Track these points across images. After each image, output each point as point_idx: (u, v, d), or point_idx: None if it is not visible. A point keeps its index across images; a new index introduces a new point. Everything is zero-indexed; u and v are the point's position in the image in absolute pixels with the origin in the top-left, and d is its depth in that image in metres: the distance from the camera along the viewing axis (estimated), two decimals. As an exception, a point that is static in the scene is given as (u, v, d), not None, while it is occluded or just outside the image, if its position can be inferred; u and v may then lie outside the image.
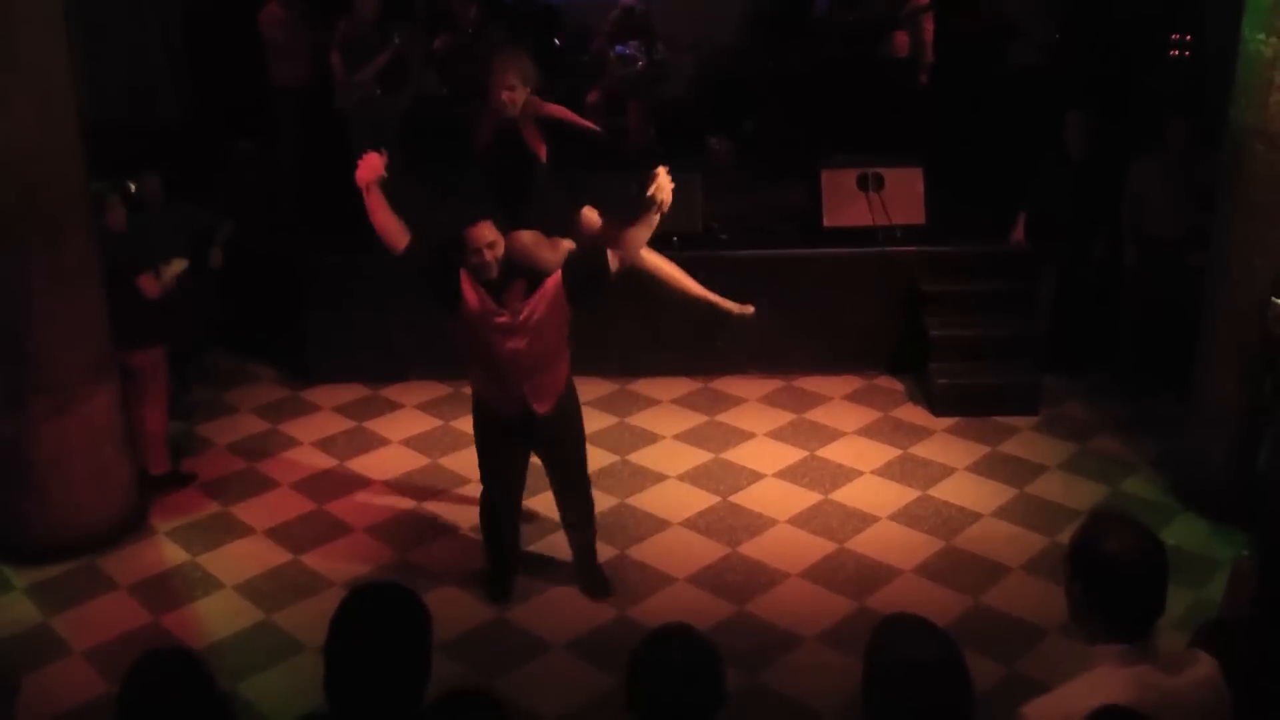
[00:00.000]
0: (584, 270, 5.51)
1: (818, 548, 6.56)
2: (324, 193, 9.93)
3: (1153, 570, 2.83)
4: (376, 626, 2.77)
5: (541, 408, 5.67)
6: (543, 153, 6.00)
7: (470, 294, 5.42)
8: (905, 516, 6.86)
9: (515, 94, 5.87)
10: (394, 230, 5.54)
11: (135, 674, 2.93)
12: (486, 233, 5.38)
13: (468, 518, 6.92)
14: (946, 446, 7.68)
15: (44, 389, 6.32)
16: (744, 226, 8.99)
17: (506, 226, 5.53)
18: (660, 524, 6.82)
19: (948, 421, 7.99)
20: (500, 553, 6.20)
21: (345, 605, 2.81)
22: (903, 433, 7.87)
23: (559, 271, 5.50)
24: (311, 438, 7.95)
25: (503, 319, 5.43)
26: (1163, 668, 2.83)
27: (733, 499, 7.07)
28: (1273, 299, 5.95)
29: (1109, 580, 2.82)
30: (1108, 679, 2.79)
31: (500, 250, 5.43)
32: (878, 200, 8.57)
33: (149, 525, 6.87)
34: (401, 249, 5.52)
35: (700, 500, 7.05)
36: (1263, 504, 5.67)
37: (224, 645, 5.81)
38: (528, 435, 5.81)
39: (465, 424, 7.98)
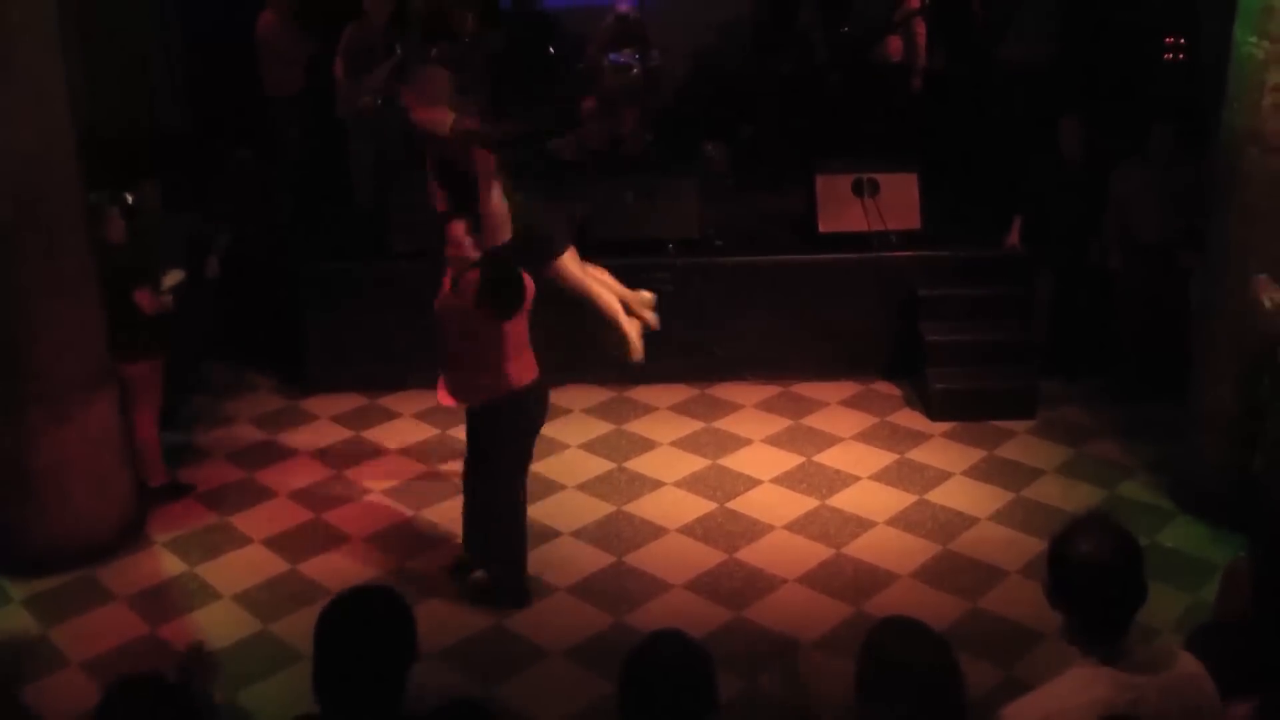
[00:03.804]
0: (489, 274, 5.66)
1: (815, 553, 6.57)
2: (322, 201, 9.97)
3: (1123, 569, 2.84)
4: (359, 629, 2.79)
5: (444, 400, 5.97)
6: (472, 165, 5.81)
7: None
8: (902, 521, 6.87)
9: (433, 117, 5.85)
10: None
11: (105, 706, 2.91)
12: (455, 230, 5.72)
13: (465, 526, 6.94)
14: (943, 451, 7.68)
15: (42, 399, 6.32)
16: (740, 232, 9.00)
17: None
18: (657, 530, 6.82)
19: (944, 426, 7.99)
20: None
21: (328, 610, 2.82)
22: (900, 437, 7.87)
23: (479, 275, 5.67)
24: (309, 447, 7.95)
25: (438, 306, 5.87)
26: (1142, 666, 2.84)
27: (730, 505, 7.07)
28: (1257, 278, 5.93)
29: (1079, 582, 2.85)
30: (1085, 679, 2.81)
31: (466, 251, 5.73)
32: (873, 205, 8.58)
33: (147, 536, 6.87)
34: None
35: (697, 506, 7.06)
36: (1259, 506, 5.67)
37: (222, 655, 5.78)
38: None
39: (463, 433, 7.98)
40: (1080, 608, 2.87)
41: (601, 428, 8.00)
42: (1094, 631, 2.86)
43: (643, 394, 8.49)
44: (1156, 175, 7.90)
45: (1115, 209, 8.08)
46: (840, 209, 8.63)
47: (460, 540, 6.43)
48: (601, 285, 6.30)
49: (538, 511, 7.00)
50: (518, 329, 5.77)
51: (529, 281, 5.75)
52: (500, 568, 6.18)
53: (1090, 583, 2.84)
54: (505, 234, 5.70)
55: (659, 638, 2.87)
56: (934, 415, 8.10)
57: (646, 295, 6.38)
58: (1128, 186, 8.01)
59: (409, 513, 7.11)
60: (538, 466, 7.49)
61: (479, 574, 6.24)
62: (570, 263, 6.15)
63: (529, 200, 5.97)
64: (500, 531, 6.12)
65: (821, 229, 8.65)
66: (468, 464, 6.23)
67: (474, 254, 5.66)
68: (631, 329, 6.31)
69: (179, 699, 2.94)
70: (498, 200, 5.67)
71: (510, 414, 5.89)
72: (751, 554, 6.58)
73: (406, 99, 5.88)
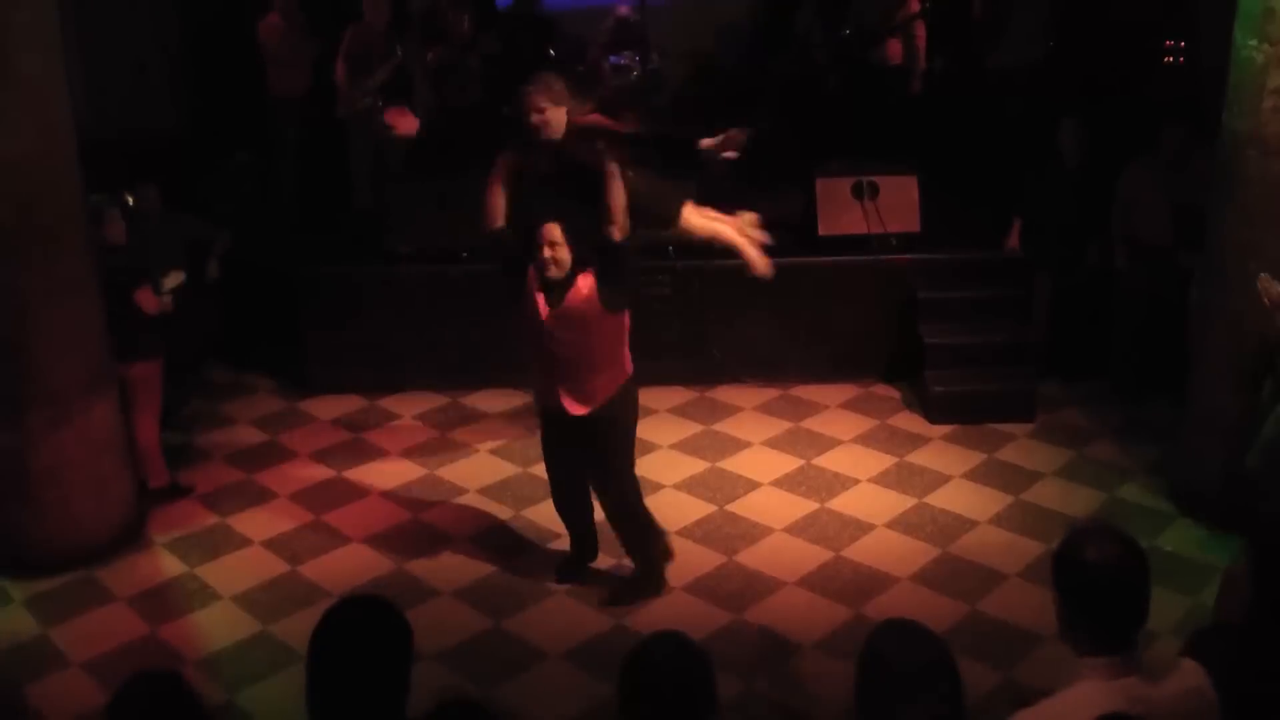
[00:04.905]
0: (607, 267, 5.68)
1: (814, 556, 6.57)
2: (322, 203, 9.98)
3: (1130, 579, 2.84)
4: (355, 641, 2.78)
5: (575, 410, 5.81)
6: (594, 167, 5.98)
7: (531, 288, 5.70)
8: (902, 524, 6.87)
9: (545, 115, 5.89)
10: (496, 208, 5.78)
11: (122, 696, 2.91)
12: (553, 233, 5.61)
13: (465, 528, 6.95)
14: (943, 454, 7.68)
15: (42, 401, 6.33)
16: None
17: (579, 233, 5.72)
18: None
19: (944, 429, 7.99)
20: (573, 536, 6.45)
21: (324, 620, 2.82)
22: (899, 440, 7.87)
23: (591, 273, 5.68)
24: (309, 449, 7.96)
25: (546, 317, 5.67)
26: (1148, 679, 2.83)
27: (729, 508, 7.07)
28: (1260, 275, 5.91)
29: (1087, 589, 2.84)
30: (1092, 692, 2.79)
31: (563, 255, 5.62)
32: (873, 208, 8.58)
33: (147, 536, 6.88)
34: (492, 229, 5.80)
35: (697, 509, 7.05)
36: (1255, 507, 5.66)
37: (221, 656, 5.82)
38: (569, 432, 5.94)
39: (462, 434, 8.06)
40: (1092, 618, 2.85)
41: (601, 430, 7.99)
42: (1103, 642, 2.85)
43: (642, 396, 8.39)
44: (1163, 176, 7.91)
45: (1121, 210, 8.09)
46: (840, 212, 8.63)
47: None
48: (719, 223, 6.39)
49: (537, 513, 7.02)
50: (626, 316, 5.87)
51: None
52: (643, 560, 6.27)
53: (1105, 593, 2.83)
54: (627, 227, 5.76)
55: (658, 640, 2.87)
56: (933, 418, 8.10)
57: (749, 215, 6.42)
58: (1135, 187, 8.02)
59: (409, 514, 7.11)
60: (536, 469, 7.51)
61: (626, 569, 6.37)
62: (692, 217, 6.26)
63: (640, 175, 5.97)
64: (639, 525, 6.22)
65: (821, 231, 8.65)
66: (572, 471, 6.17)
67: (568, 256, 5.66)
68: (751, 250, 6.33)
69: (193, 696, 2.94)
70: (621, 195, 5.74)
71: (631, 403, 6.03)
72: (751, 556, 6.58)
73: (535, 102, 5.89)
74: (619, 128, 6.19)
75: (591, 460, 6.05)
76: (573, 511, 6.34)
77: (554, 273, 5.62)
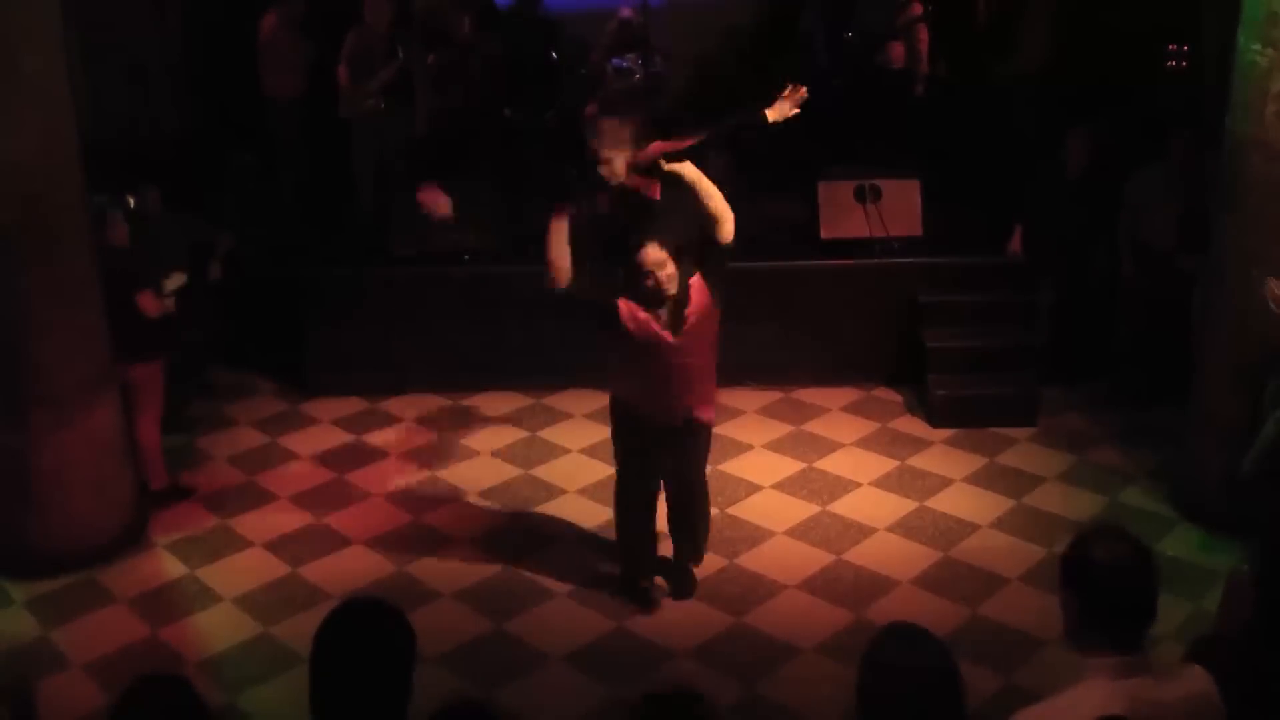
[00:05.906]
0: (712, 264, 5.82)
1: (816, 559, 6.56)
2: (324, 205, 9.98)
3: (1141, 575, 2.84)
4: (358, 643, 2.78)
5: (707, 415, 6.00)
6: (655, 191, 6.14)
7: (630, 321, 5.63)
8: (903, 528, 6.86)
9: (613, 165, 6.00)
10: (563, 267, 5.68)
11: (127, 700, 2.90)
12: (655, 254, 5.59)
13: (467, 530, 6.94)
14: (944, 458, 7.68)
15: (44, 402, 6.33)
16: (741, 238, 8.96)
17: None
18: (658, 535, 6.80)
19: (946, 433, 7.98)
20: (633, 554, 6.34)
21: (328, 622, 2.81)
22: (901, 444, 7.86)
23: (699, 275, 5.76)
24: (310, 451, 7.95)
25: (673, 339, 5.66)
26: (1155, 681, 2.83)
27: (731, 511, 7.06)
28: (1269, 280, 5.91)
29: (1098, 587, 2.84)
30: (1098, 691, 2.79)
31: (671, 270, 5.63)
32: (875, 212, 8.57)
33: (148, 538, 6.88)
34: (562, 286, 5.70)
35: (699, 512, 7.04)
36: (1256, 514, 5.65)
37: (222, 658, 5.82)
38: (671, 440, 5.98)
39: (463, 437, 8.05)
40: (1100, 616, 2.85)
41: (602, 432, 7.92)
42: (1111, 641, 2.85)
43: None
44: (1172, 182, 7.89)
45: (1129, 215, 8.06)
46: (842, 215, 8.62)
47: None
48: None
49: (539, 516, 7.02)
50: None
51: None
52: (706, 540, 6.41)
53: (1113, 591, 2.83)
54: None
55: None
56: (935, 422, 8.09)
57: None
58: (1143, 193, 7.99)
59: (410, 516, 7.11)
60: (538, 471, 7.53)
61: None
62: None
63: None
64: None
65: (823, 235, 8.64)
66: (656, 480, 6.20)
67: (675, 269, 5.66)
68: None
69: (198, 700, 2.94)
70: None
71: None
72: (752, 559, 6.58)
73: (600, 154, 6.00)
74: (679, 144, 6.14)
75: (689, 461, 6.09)
76: (651, 520, 6.27)
77: (670, 290, 5.61)
